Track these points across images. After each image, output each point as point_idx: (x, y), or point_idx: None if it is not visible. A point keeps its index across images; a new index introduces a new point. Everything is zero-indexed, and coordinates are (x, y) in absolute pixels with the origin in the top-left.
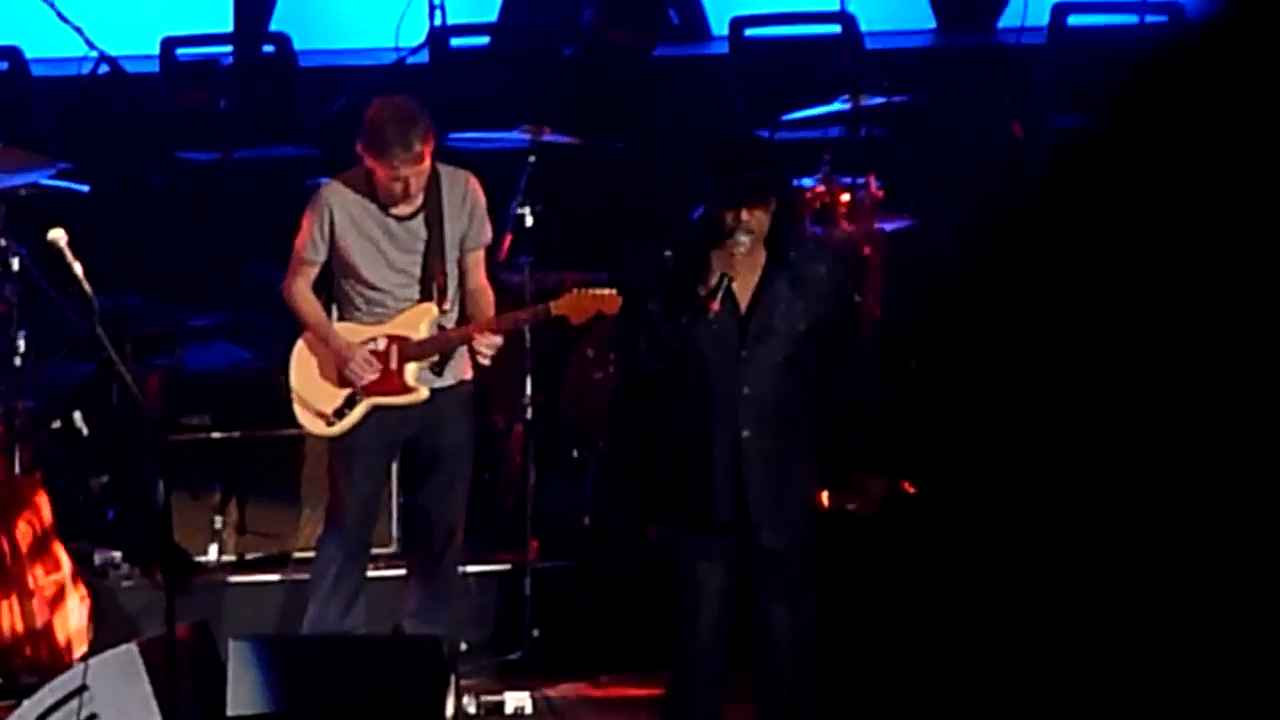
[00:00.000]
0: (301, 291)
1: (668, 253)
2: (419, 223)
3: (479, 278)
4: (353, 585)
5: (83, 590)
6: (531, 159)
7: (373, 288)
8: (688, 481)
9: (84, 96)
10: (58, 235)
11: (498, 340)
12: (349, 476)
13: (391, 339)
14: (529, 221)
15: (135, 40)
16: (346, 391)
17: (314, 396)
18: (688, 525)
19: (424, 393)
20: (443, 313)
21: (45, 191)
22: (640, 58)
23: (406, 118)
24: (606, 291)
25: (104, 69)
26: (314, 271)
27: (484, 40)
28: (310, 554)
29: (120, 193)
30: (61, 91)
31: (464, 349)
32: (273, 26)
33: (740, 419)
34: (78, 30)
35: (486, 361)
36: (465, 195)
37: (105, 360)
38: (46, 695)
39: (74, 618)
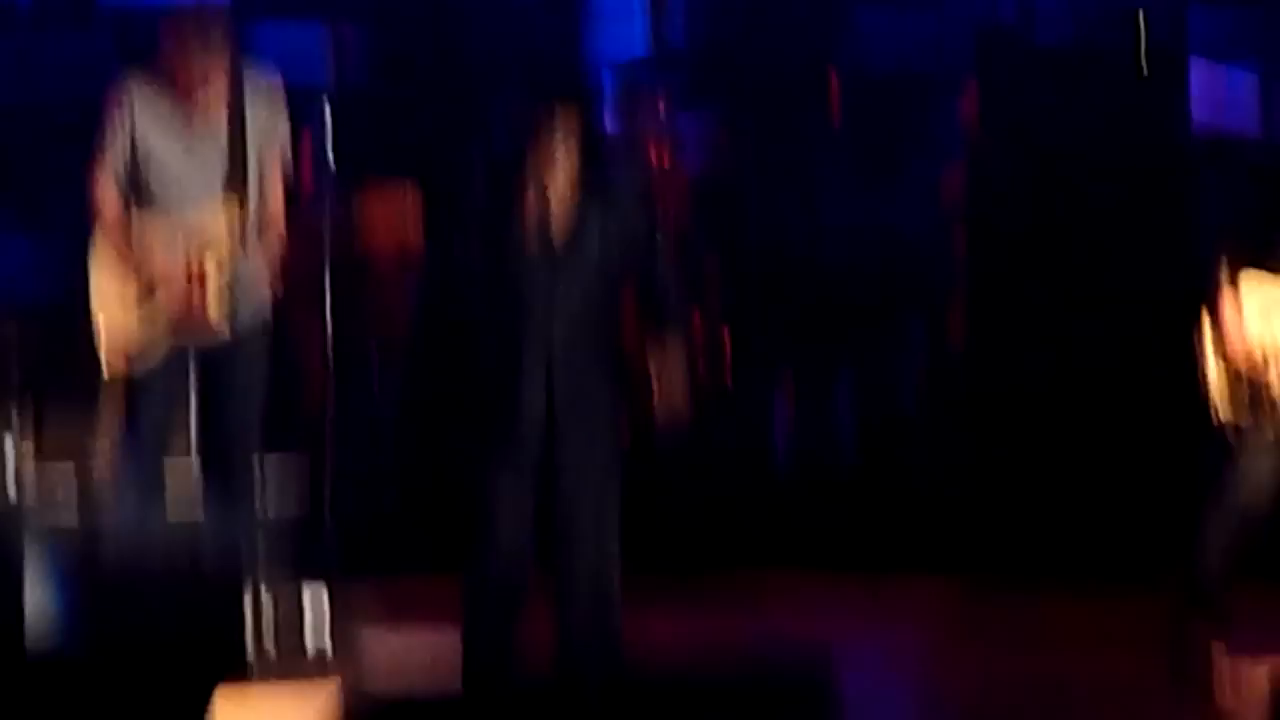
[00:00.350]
0: (104, 186)
1: (479, 157)
2: (220, 118)
3: (273, 176)
4: (153, 479)
5: None
6: (331, 60)
7: (170, 181)
8: (496, 394)
9: None
10: None
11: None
12: (145, 391)
13: (193, 275)
14: (329, 120)
15: None
16: (148, 331)
17: (115, 334)
18: (493, 438)
19: (224, 329)
20: (242, 209)
21: None
22: None
23: (205, 20)
24: (406, 196)
25: None
26: (116, 164)
27: None
28: (111, 447)
29: None
30: None
31: (264, 276)
32: None
33: (552, 332)
34: None
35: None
36: (268, 92)
37: None
38: None
39: None
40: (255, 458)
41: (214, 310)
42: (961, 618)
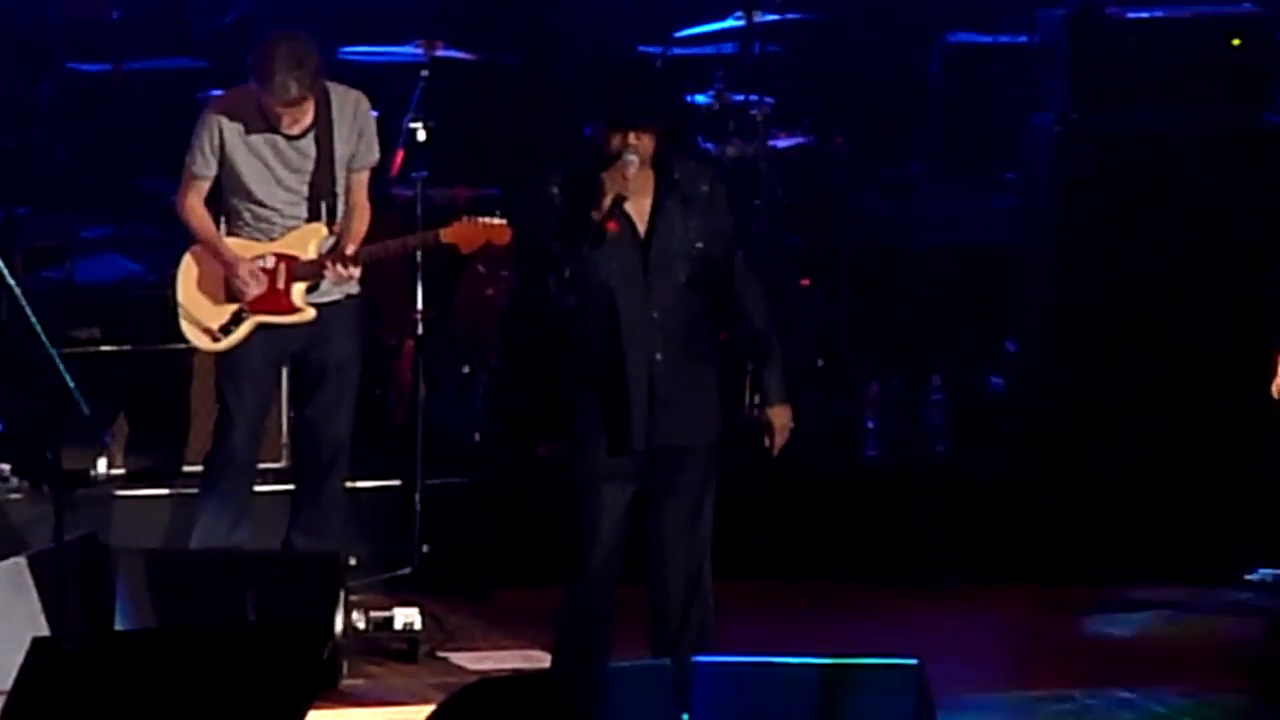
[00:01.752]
0: (193, 206)
1: (555, 189)
2: (308, 142)
3: (360, 196)
4: (241, 500)
5: None
6: (424, 74)
7: (261, 205)
8: (596, 407)
9: None
10: None
11: (355, 272)
12: (236, 392)
13: (280, 257)
14: (421, 137)
15: None
16: (233, 307)
17: (201, 312)
18: (591, 450)
19: (310, 313)
20: (331, 233)
21: None
22: None
23: (294, 59)
24: (496, 221)
25: None
26: (205, 186)
27: None
28: (199, 468)
29: (10, 103)
30: None
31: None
32: None
33: (652, 343)
34: None
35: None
36: (355, 115)
37: None
38: None
39: None
40: (345, 459)
41: (297, 292)
42: (1049, 629)
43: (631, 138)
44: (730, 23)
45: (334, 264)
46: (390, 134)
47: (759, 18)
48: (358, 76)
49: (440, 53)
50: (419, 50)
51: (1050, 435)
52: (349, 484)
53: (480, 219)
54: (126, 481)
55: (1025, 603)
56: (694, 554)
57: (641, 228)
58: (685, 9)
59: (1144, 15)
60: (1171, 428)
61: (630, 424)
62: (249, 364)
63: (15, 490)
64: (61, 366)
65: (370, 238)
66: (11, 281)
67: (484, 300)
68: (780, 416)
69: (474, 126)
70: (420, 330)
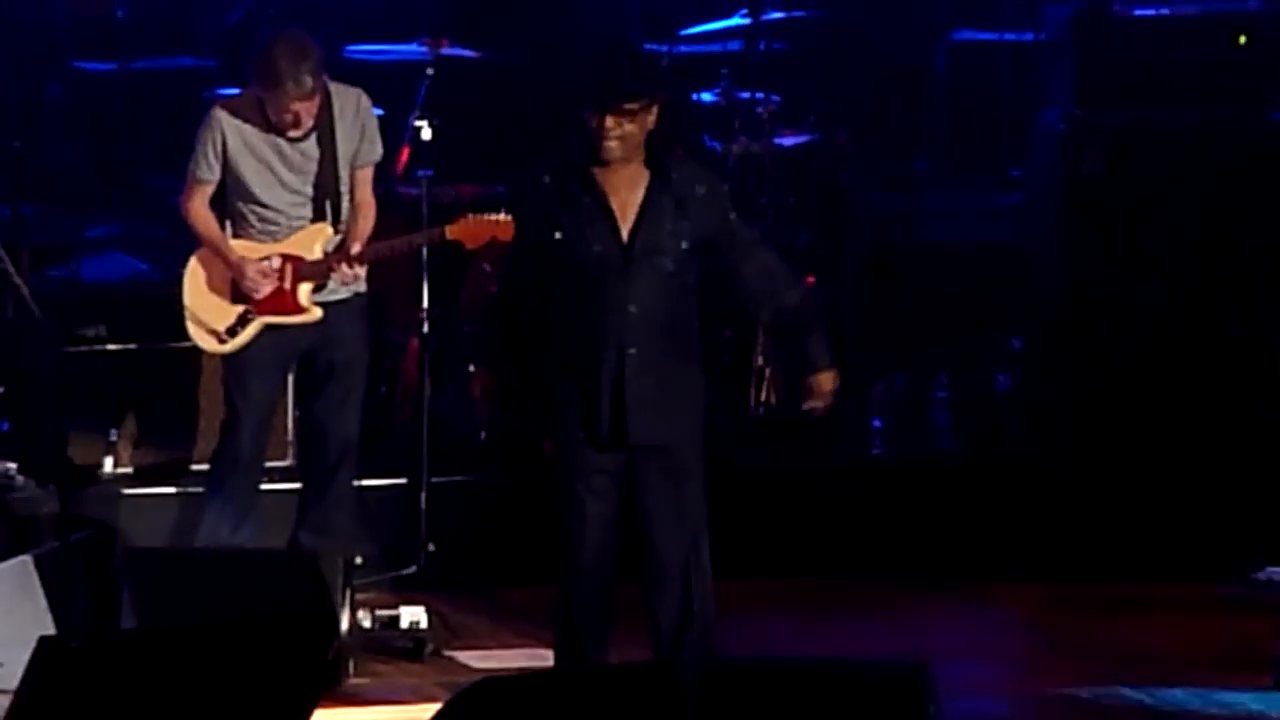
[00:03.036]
0: (198, 209)
1: (546, 178)
2: (311, 143)
3: (364, 193)
4: (247, 499)
5: None
6: (430, 72)
7: (266, 207)
8: (574, 399)
9: None
10: None
11: (360, 271)
12: (243, 391)
13: (286, 258)
14: (426, 135)
15: None
16: (239, 309)
17: (207, 313)
18: (573, 443)
19: (317, 313)
20: (336, 232)
21: None
22: None
23: (298, 53)
24: (501, 217)
25: None
26: (209, 190)
27: None
28: (205, 467)
29: (17, 103)
30: None
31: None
32: None
33: (625, 336)
34: None
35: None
36: (356, 112)
37: (1, 271)
38: None
39: None
40: (353, 457)
41: (304, 292)
42: (1057, 628)
43: (609, 122)
44: (736, 20)
45: (339, 263)
46: (395, 132)
47: (765, 15)
48: (363, 75)
49: (446, 51)
50: (424, 49)
51: (1057, 433)
52: (355, 482)
53: (485, 215)
54: (133, 480)
55: (1034, 602)
56: (683, 552)
57: (629, 220)
58: (691, 6)
59: (1150, 13)
60: (1178, 425)
61: (599, 418)
62: (256, 364)
63: (22, 489)
64: None
65: (376, 236)
66: (19, 280)
67: (490, 298)
68: (824, 383)
69: (479, 125)
70: (426, 328)
